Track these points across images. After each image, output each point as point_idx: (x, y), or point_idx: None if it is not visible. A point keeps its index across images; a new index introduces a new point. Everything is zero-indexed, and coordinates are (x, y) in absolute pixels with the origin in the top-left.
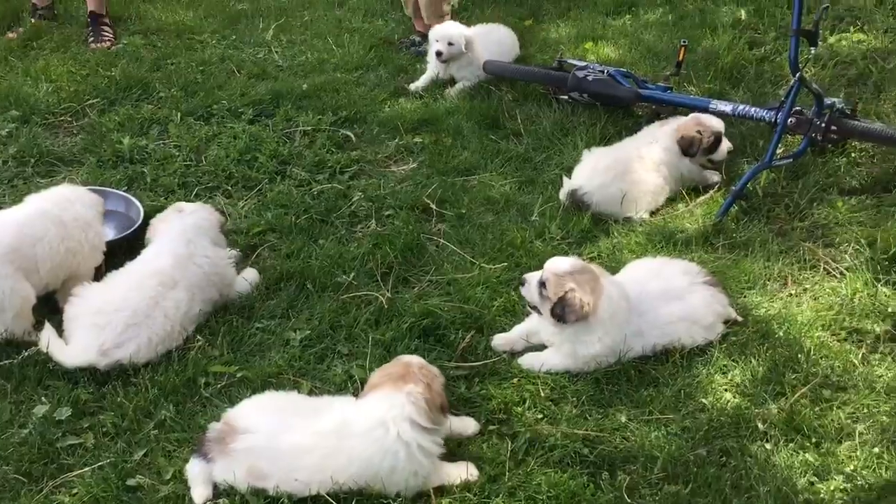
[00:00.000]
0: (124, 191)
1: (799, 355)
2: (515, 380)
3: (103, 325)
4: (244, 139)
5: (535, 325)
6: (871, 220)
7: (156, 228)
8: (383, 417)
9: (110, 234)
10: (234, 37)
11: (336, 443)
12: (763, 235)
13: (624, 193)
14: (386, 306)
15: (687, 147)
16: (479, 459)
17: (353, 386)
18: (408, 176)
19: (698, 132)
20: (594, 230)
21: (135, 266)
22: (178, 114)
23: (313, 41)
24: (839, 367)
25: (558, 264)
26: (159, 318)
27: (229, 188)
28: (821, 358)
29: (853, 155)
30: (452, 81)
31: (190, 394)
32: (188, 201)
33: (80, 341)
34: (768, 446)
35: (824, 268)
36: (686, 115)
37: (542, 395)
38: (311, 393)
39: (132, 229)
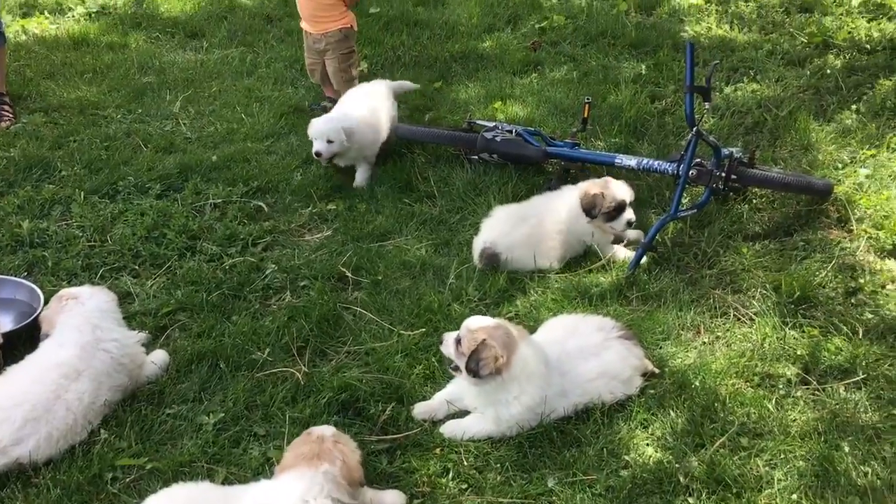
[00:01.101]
0: (24, 277)
1: (716, 404)
2: (438, 450)
3: (0, 421)
4: (151, 215)
5: (457, 390)
6: (775, 264)
7: (51, 320)
8: (303, 500)
9: (8, 324)
10: (140, 110)
11: None
12: (674, 285)
13: (532, 241)
14: (303, 382)
15: (588, 207)
16: None
17: (270, 469)
18: (322, 244)
19: (602, 194)
20: (511, 289)
21: (35, 358)
22: (82, 193)
23: (222, 111)
24: (755, 413)
25: (474, 321)
26: (61, 412)
27: (136, 267)
28: (737, 406)
29: (754, 201)
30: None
31: (96, 491)
32: (93, 284)
33: None
34: (692, 500)
35: (734, 314)
36: (595, 171)
37: (466, 463)
38: (226, 480)
39: (32, 318)
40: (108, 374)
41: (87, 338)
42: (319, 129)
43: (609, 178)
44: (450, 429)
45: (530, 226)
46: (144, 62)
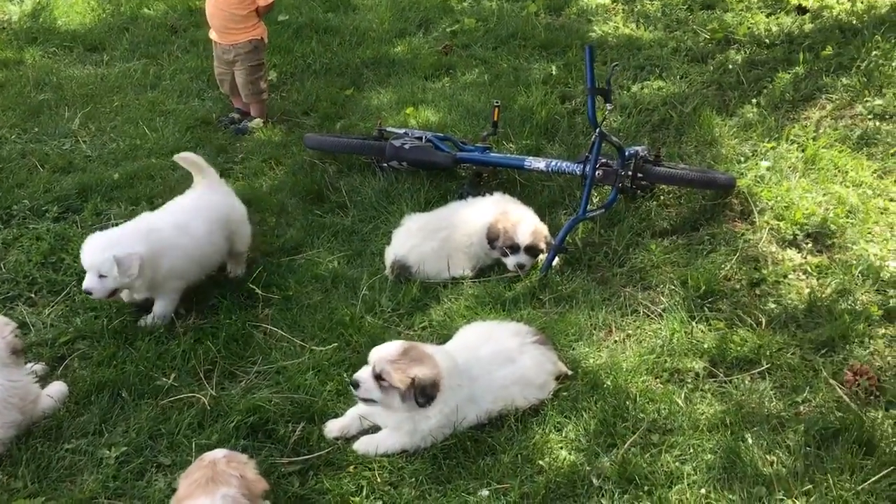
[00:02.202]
0: None
1: (627, 403)
2: (352, 468)
3: None
4: (48, 240)
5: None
6: (682, 259)
7: None
8: None
9: None
10: (36, 129)
11: None
12: (586, 285)
13: (443, 253)
14: (209, 407)
15: (490, 238)
16: None
17: None
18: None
19: (504, 230)
20: (424, 298)
21: None
22: None
23: (124, 127)
24: (665, 409)
25: (386, 351)
26: None
27: (32, 295)
28: (647, 402)
29: (661, 198)
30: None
31: None
32: None
33: None
34: (604, 502)
35: (644, 311)
36: (507, 174)
37: (380, 480)
38: None
39: None
40: None
41: None
42: (90, 260)
43: (522, 218)
44: (363, 445)
45: (441, 238)
46: (41, 78)
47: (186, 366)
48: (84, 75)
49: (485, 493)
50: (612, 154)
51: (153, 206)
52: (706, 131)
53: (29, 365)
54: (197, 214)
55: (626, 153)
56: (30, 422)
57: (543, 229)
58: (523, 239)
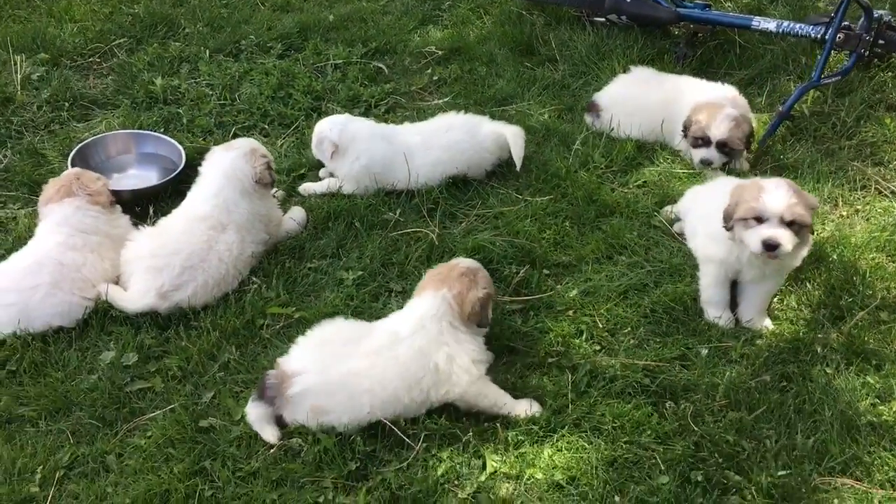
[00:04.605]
0: (161, 132)
1: (854, 278)
2: (571, 312)
3: (161, 267)
4: (276, 75)
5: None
6: None
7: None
8: (422, 318)
9: (153, 179)
10: None
11: (387, 355)
12: (811, 156)
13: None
14: (437, 242)
15: (686, 126)
16: (541, 393)
17: None
18: (443, 108)
19: (698, 121)
20: (639, 157)
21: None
22: (207, 51)
23: None
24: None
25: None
26: (214, 261)
27: (266, 126)
28: (877, 280)
29: None
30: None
31: (250, 335)
32: (224, 142)
33: (139, 286)
34: (829, 370)
35: (875, 188)
36: (725, 35)
37: (600, 326)
38: None
39: (176, 172)
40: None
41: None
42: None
43: (723, 118)
44: None
45: (661, 94)
46: None
47: (410, 203)
48: None
49: (704, 350)
50: (851, 18)
51: (368, 49)
52: None
53: (273, 190)
54: None
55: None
56: (276, 240)
57: (744, 126)
58: (717, 133)
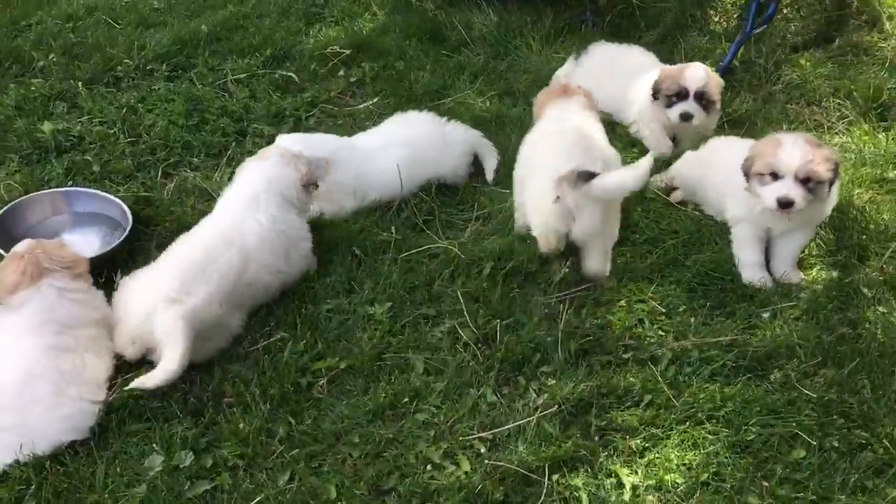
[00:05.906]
0: (79, 186)
1: (855, 214)
2: (623, 302)
3: None
4: (179, 101)
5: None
6: (833, 72)
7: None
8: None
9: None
10: None
11: None
12: (755, 105)
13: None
14: (461, 255)
15: (657, 86)
16: (632, 392)
17: (464, 348)
18: (373, 110)
19: (669, 75)
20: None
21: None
22: (80, 84)
23: None
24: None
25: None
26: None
27: (194, 160)
28: (876, 214)
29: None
30: None
31: (301, 398)
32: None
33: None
34: (883, 309)
35: (826, 126)
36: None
37: (660, 310)
38: (426, 368)
39: (129, 228)
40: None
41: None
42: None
43: (697, 66)
44: None
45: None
46: None
47: (400, 218)
48: None
49: (766, 314)
50: None
51: (264, 59)
52: None
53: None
54: None
55: None
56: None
57: (718, 79)
58: (694, 82)
